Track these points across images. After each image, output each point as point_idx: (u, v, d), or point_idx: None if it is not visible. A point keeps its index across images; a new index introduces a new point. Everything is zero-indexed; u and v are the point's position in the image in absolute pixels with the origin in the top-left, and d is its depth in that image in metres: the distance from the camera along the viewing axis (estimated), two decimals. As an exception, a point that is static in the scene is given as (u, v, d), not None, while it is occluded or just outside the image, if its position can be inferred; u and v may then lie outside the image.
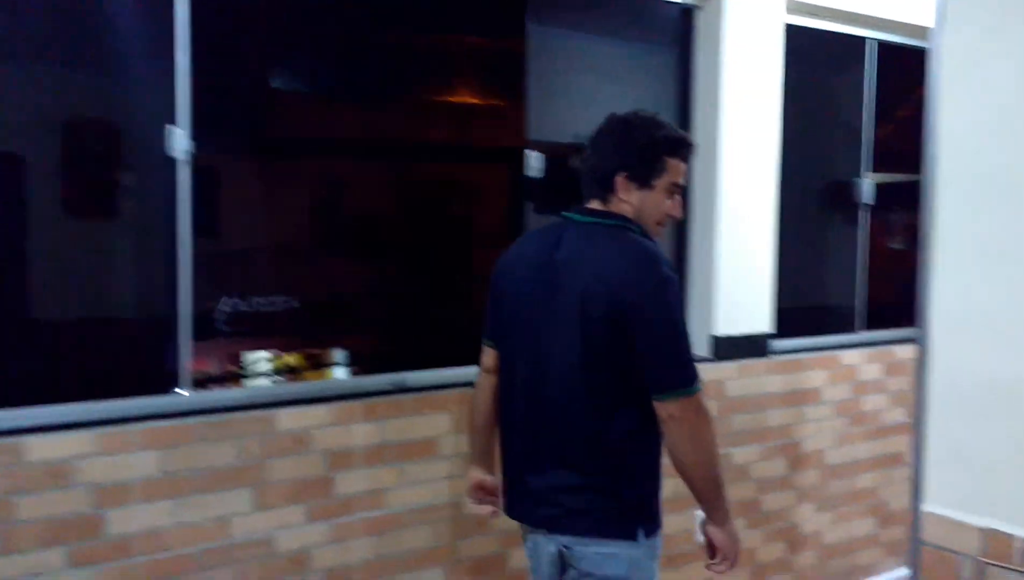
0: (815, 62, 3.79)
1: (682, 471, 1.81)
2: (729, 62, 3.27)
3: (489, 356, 2.09)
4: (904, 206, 4.13)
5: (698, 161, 3.32)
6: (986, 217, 1.55)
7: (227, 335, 2.56)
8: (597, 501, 1.84)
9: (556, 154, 3.08)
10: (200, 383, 2.47)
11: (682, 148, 1.91)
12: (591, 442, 1.83)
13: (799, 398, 3.55)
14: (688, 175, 2.00)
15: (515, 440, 2.00)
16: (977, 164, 1.57)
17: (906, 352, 3.90)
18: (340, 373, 2.82)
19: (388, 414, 2.62)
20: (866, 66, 3.84)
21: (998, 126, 1.55)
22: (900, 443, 3.90)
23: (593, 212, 1.92)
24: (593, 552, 1.85)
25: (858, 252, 3.89)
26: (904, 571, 3.96)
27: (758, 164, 3.38)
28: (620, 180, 1.88)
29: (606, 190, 1.90)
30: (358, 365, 2.83)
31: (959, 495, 1.55)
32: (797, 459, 3.56)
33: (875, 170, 3.88)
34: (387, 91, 2.89)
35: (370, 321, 2.93)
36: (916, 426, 1.64)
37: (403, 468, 2.65)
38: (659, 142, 1.88)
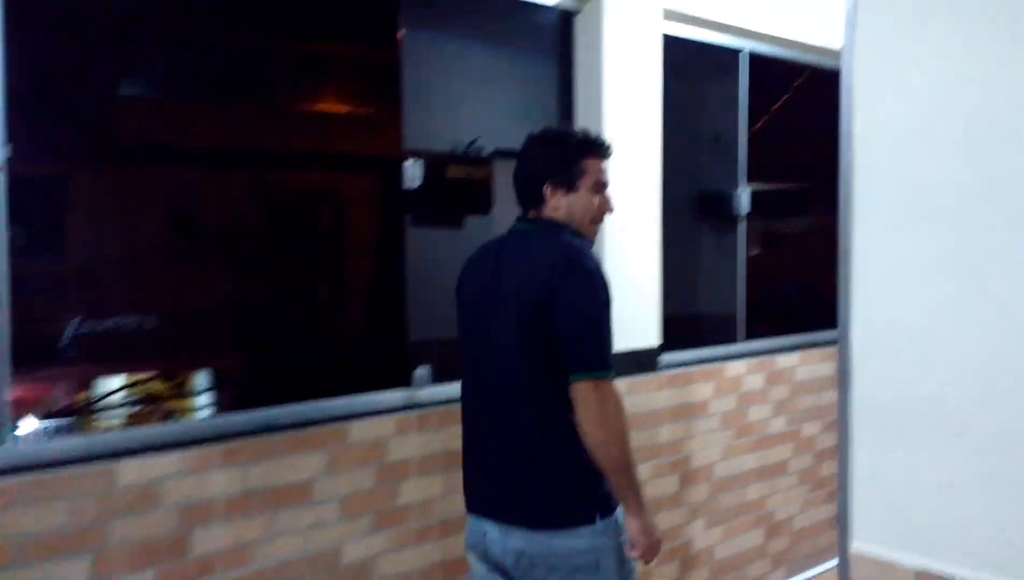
0: (692, 73, 3.74)
1: (593, 454, 1.87)
2: (610, 69, 3.14)
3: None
4: (777, 214, 4.15)
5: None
6: (906, 229, 1.44)
7: (72, 362, 2.22)
8: (550, 492, 1.92)
9: (434, 163, 2.87)
10: (44, 416, 2.11)
11: (597, 148, 2.06)
12: (538, 434, 1.92)
13: (688, 412, 3.47)
14: (607, 172, 2.11)
15: (475, 438, 2.09)
16: (894, 174, 1.47)
17: (787, 361, 3.90)
18: (206, 399, 2.51)
19: (252, 457, 2.31)
20: (740, 77, 3.82)
21: (915, 134, 1.44)
22: (784, 452, 3.90)
23: (531, 221, 2.08)
24: (558, 544, 1.91)
25: (737, 262, 3.86)
26: (792, 581, 3.97)
27: (641, 175, 3.27)
28: (547, 189, 2.03)
29: (538, 201, 2.05)
30: (226, 389, 2.52)
31: (889, 532, 1.44)
32: (688, 475, 3.47)
33: (750, 180, 3.86)
34: (251, 97, 2.61)
35: (236, 341, 2.63)
36: (840, 455, 1.52)
37: (271, 518, 2.35)
38: (574, 147, 2.04)
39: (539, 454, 1.94)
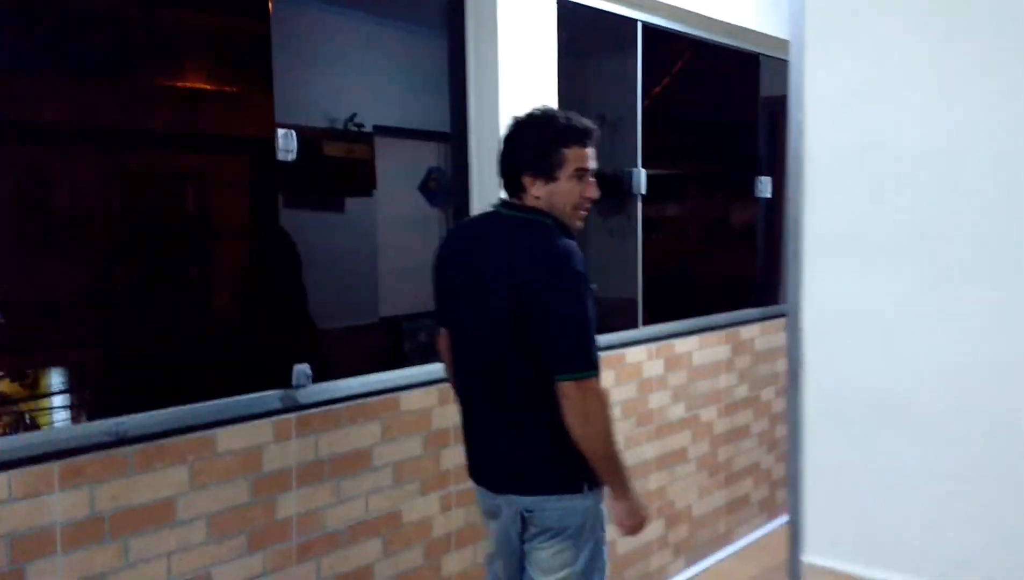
0: (586, 45, 3.56)
1: (578, 445, 1.93)
2: (505, 40, 2.91)
3: (443, 337, 2.22)
4: (672, 196, 4.04)
5: (476, 154, 2.95)
6: (863, 204, 1.27)
7: None
8: (544, 463, 2.01)
9: (310, 140, 2.57)
10: None
11: (576, 136, 1.99)
12: (524, 411, 1.99)
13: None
14: (591, 158, 2.03)
15: (469, 413, 2.16)
16: (845, 146, 1.29)
17: (685, 345, 3.80)
18: (60, 402, 2.15)
19: (100, 475, 1.97)
20: (638, 50, 3.66)
21: (867, 99, 1.27)
22: (683, 439, 3.80)
23: (514, 206, 2.06)
24: (551, 508, 2.01)
25: (637, 244, 3.71)
26: (692, 571, 3.89)
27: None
28: (527, 179, 2.00)
29: (519, 189, 2.03)
30: (79, 392, 2.17)
31: (842, 541, 1.28)
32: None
33: (645, 160, 3.72)
34: (103, 71, 2.25)
35: (90, 335, 2.27)
36: (790, 459, 1.35)
37: (126, 545, 2.01)
38: (552, 137, 1.98)
39: (526, 429, 2.01)
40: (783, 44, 4.31)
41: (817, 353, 1.30)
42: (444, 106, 3.02)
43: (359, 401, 2.52)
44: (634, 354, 3.53)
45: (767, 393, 4.35)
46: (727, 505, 4.11)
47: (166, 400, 2.17)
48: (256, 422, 2.27)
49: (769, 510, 4.41)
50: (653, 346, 3.63)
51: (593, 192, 2.05)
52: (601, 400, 1.92)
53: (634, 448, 3.52)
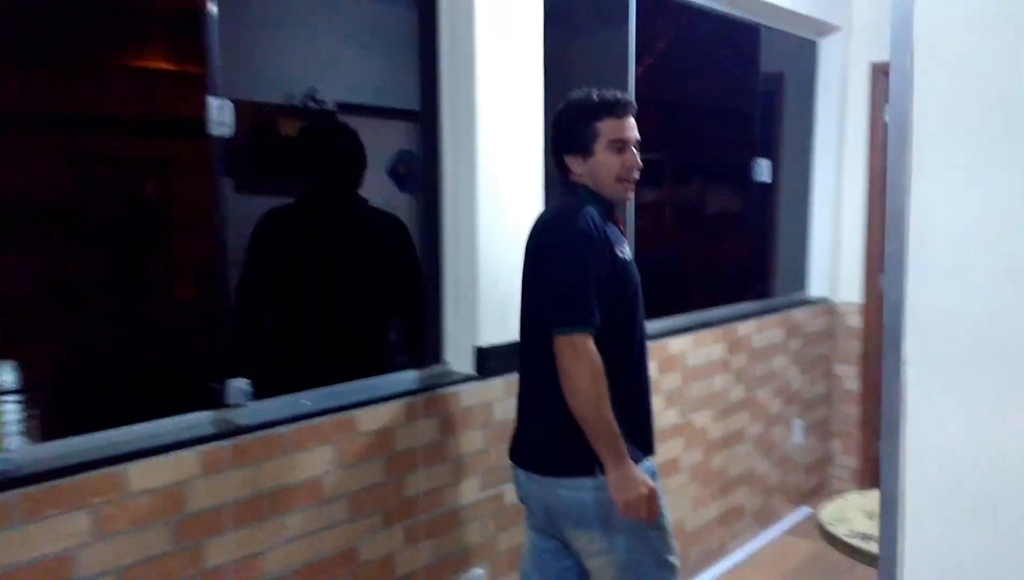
0: (575, 16, 3.17)
1: (568, 405, 1.91)
2: (483, 8, 2.50)
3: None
4: (664, 180, 3.67)
5: (450, 135, 2.56)
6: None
7: None
8: (551, 440, 2.00)
9: (261, 117, 2.18)
10: None
11: (607, 109, 2.02)
12: (546, 385, 1.96)
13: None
14: (628, 129, 2.05)
15: (519, 392, 2.18)
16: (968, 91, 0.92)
17: (679, 345, 3.44)
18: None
19: (-26, 529, 1.57)
20: (630, 22, 3.27)
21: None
22: (676, 447, 3.45)
23: (564, 183, 2.12)
24: (563, 493, 1.98)
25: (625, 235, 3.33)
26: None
27: (521, 142, 2.67)
28: (568, 159, 2.07)
29: (565, 170, 2.09)
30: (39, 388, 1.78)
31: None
32: (574, 486, 2.95)
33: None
34: (40, 53, 1.86)
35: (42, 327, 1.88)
36: (885, 461, 1.00)
37: (7, 613, 1.62)
38: (582, 114, 2.03)
39: (545, 404, 1.99)
40: (784, 14, 4.03)
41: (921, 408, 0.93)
42: (413, 82, 2.63)
43: (309, 421, 2.13)
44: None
45: (763, 394, 4.02)
46: (720, 517, 3.78)
47: (65, 427, 1.77)
48: (181, 452, 1.87)
49: (763, 520, 4.09)
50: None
51: (633, 161, 2.05)
52: (588, 357, 1.87)
53: (624, 461, 3.17)
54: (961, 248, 0.90)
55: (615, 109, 2.02)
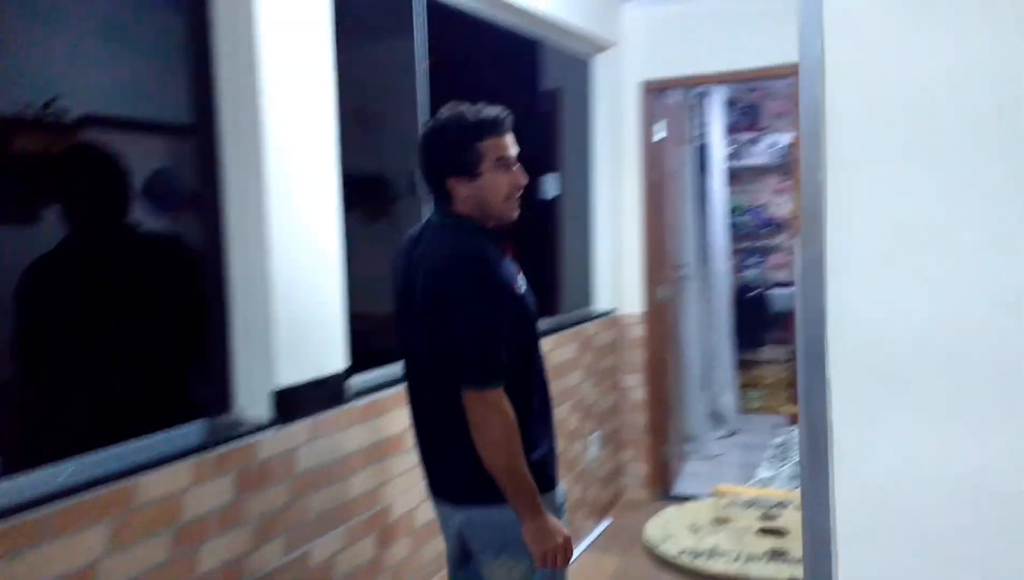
0: (364, 22, 2.95)
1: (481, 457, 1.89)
2: (264, 10, 2.22)
3: None
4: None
5: (233, 156, 2.25)
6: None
7: None
8: (473, 471, 1.91)
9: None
10: None
11: (489, 127, 1.95)
12: (459, 419, 1.90)
13: (383, 450, 2.70)
14: (510, 145, 2.01)
15: (415, 426, 2.13)
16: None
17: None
18: None
19: None
20: (416, 33, 3.11)
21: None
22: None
23: (441, 212, 2.03)
24: (486, 519, 1.97)
25: (426, 253, 3.15)
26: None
27: (313, 157, 2.42)
28: (451, 183, 1.97)
29: (446, 195, 1.99)
30: None
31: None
32: (387, 531, 2.71)
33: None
34: None
35: None
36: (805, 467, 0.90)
37: None
38: (462, 134, 1.95)
39: (461, 437, 1.92)
40: (561, 30, 4.06)
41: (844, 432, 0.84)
42: (181, 92, 2.30)
43: (74, 498, 1.74)
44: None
45: (563, 410, 4.00)
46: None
47: None
48: None
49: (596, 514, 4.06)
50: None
51: (521, 178, 2.01)
52: (500, 412, 1.84)
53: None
54: (885, 253, 0.81)
55: (497, 127, 1.96)
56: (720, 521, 2.37)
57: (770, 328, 6.55)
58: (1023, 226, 0.76)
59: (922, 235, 0.80)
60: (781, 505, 2.49)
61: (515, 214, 2.03)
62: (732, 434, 5.79)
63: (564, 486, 2.12)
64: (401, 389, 2.78)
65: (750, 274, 6.66)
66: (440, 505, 2.12)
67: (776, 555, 2.14)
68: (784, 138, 6.56)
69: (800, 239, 0.90)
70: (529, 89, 4.15)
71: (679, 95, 5.00)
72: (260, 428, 2.22)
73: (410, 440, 2.82)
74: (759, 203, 6.76)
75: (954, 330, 0.79)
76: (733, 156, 6.52)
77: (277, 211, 2.26)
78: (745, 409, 6.17)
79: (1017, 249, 0.77)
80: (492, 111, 1.97)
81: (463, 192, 1.97)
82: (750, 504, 2.50)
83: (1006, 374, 0.78)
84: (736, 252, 6.48)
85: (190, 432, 2.12)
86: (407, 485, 2.80)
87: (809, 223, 0.86)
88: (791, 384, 6.30)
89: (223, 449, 2.11)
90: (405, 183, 3.10)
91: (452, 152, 1.96)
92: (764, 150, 6.64)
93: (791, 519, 2.37)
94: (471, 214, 1.99)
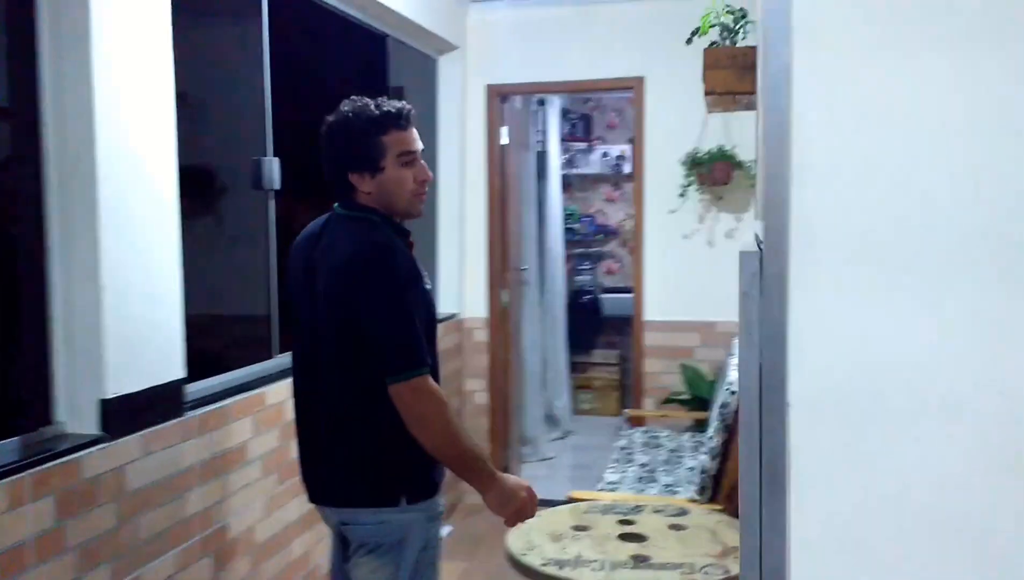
0: (209, 13, 2.73)
1: (424, 447, 1.86)
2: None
3: None
4: (309, 190, 3.35)
5: (57, 143, 2.00)
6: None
7: None
8: (362, 472, 1.92)
9: None
10: None
11: (392, 121, 1.91)
12: (352, 417, 1.91)
13: (223, 464, 2.49)
14: (414, 140, 1.97)
15: (301, 424, 2.06)
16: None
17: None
18: None
19: None
20: (263, 20, 2.91)
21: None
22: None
23: (346, 204, 1.99)
24: (365, 521, 1.93)
25: (269, 252, 2.96)
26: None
27: (151, 143, 2.20)
28: (353, 178, 1.93)
29: (349, 190, 1.95)
30: None
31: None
32: (225, 550, 2.50)
33: (277, 148, 2.99)
34: None
35: None
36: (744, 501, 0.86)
37: None
38: (365, 130, 1.90)
39: (346, 440, 1.93)
40: (408, 25, 3.96)
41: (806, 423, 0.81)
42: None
43: None
44: (275, 392, 2.79)
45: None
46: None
47: None
48: None
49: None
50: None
51: (425, 174, 1.97)
52: (435, 398, 1.83)
53: (276, 512, 2.79)
54: (856, 263, 0.78)
55: (399, 121, 1.91)
56: (580, 528, 2.36)
57: (601, 332, 6.73)
58: (996, 247, 0.77)
59: (891, 254, 0.78)
60: (637, 509, 2.51)
61: (421, 209, 2.00)
62: (565, 436, 5.88)
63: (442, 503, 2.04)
64: (241, 399, 2.62)
65: (582, 279, 6.82)
66: (319, 508, 2.07)
67: (640, 560, 2.15)
68: (615, 149, 6.77)
69: (764, 252, 0.86)
70: (375, 85, 4.01)
71: (521, 101, 5.03)
72: (85, 443, 1.98)
73: (250, 452, 2.64)
74: (591, 211, 6.94)
75: (923, 355, 0.78)
76: (567, 164, 6.65)
77: (108, 205, 2.03)
78: (576, 411, 6.30)
79: (989, 273, 0.77)
80: (395, 105, 1.93)
81: (366, 187, 1.92)
82: (607, 510, 2.51)
83: (972, 397, 0.78)
84: (569, 257, 6.61)
85: (4, 449, 1.85)
86: (247, 500, 2.61)
87: (772, 234, 0.82)
88: (621, 387, 6.51)
89: (42, 468, 1.86)
90: (251, 176, 2.89)
91: (353, 147, 1.91)
92: (597, 160, 6.83)
93: (649, 523, 2.40)
94: (376, 207, 1.94)
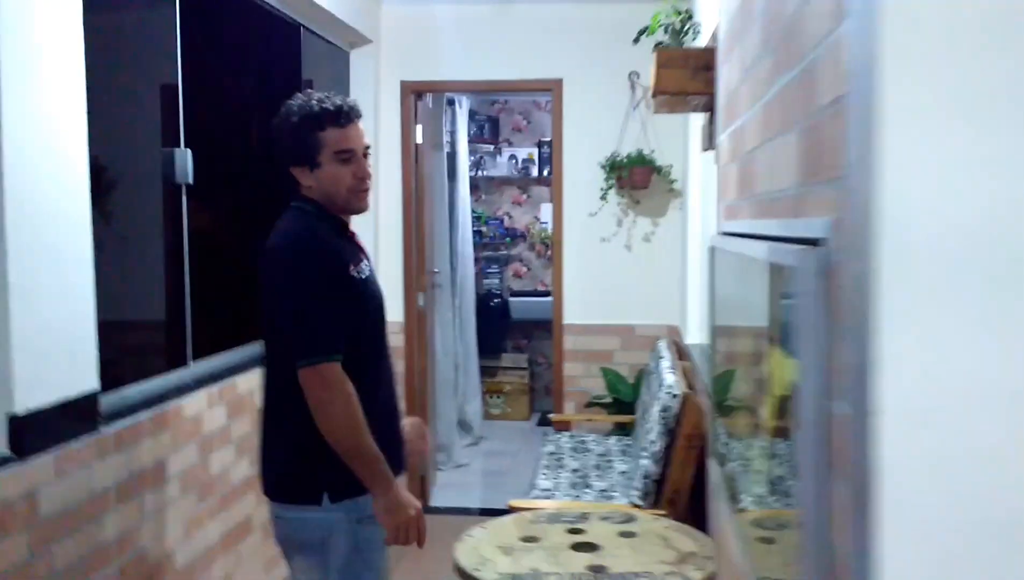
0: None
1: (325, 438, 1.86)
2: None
3: None
4: (223, 185, 3.13)
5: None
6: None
7: None
8: (285, 466, 1.94)
9: None
10: None
11: (330, 118, 1.90)
12: (280, 409, 1.94)
13: (140, 484, 2.28)
14: (353, 138, 1.94)
15: (262, 420, 2.07)
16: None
17: (248, 382, 2.95)
18: None
19: None
20: (176, 4, 2.70)
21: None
22: (248, 504, 2.94)
23: (294, 196, 2.01)
24: (289, 517, 1.95)
25: (183, 251, 2.74)
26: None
27: (61, 135, 1.98)
28: (295, 172, 1.95)
29: (294, 183, 1.98)
30: None
31: None
32: (143, 578, 2.28)
33: (190, 141, 2.78)
34: None
35: None
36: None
37: None
38: (303, 124, 1.90)
39: (277, 432, 1.95)
40: (321, 14, 3.78)
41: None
42: None
43: None
44: (192, 404, 2.58)
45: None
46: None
47: None
48: None
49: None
50: (215, 388, 2.72)
51: (363, 171, 1.95)
52: (339, 387, 1.82)
53: (196, 534, 2.58)
54: (953, 267, 0.72)
55: (338, 118, 1.90)
56: (529, 540, 2.28)
57: (509, 336, 6.68)
58: None
59: (991, 259, 0.72)
60: (584, 517, 2.45)
61: (363, 205, 1.99)
62: (478, 442, 5.79)
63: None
64: (158, 411, 2.41)
65: (490, 282, 6.75)
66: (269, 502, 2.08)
67: (597, 571, 2.08)
68: (522, 152, 6.74)
69: (829, 254, 0.79)
70: (288, 77, 3.81)
71: (432, 100, 4.91)
72: (-6, 465, 1.75)
73: (168, 470, 2.43)
74: (499, 213, 6.88)
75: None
76: (475, 166, 6.57)
77: (13, 203, 1.80)
78: (486, 416, 6.22)
79: None
80: (336, 101, 1.92)
81: (306, 181, 1.94)
82: (554, 519, 2.44)
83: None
84: (477, 261, 6.54)
85: None
86: (166, 522, 2.39)
87: (856, 234, 0.75)
88: (531, 391, 6.47)
89: (-60, 496, 1.63)
90: (162, 169, 2.67)
91: (292, 142, 1.92)
92: (504, 163, 6.78)
93: (599, 532, 2.34)
94: (318, 200, 1.96)
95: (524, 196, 6.86)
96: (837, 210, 0.84)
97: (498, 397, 6.44)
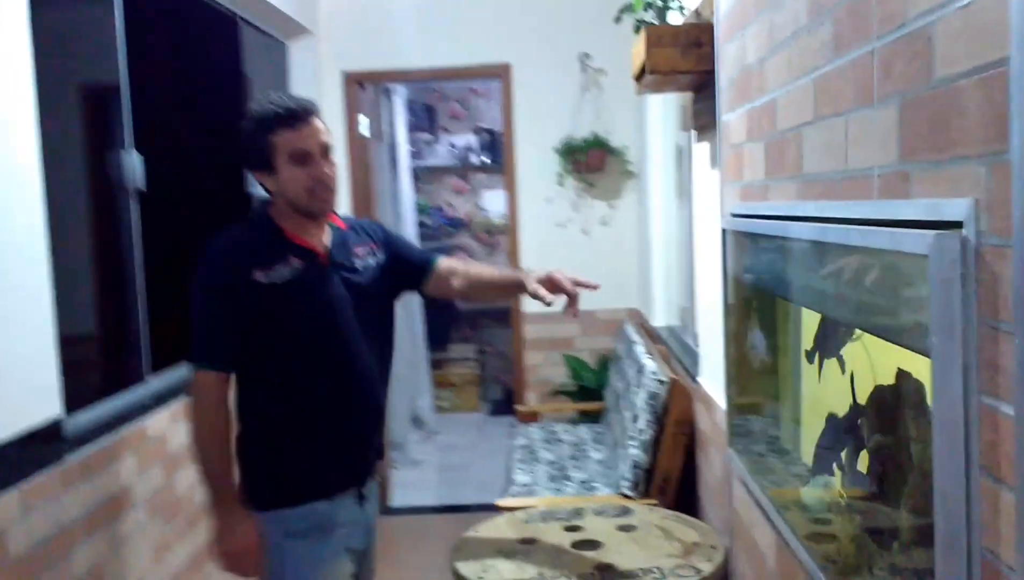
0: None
1: None
2: None
3: None
4: (175, 189, 2.94)
5: None
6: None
7: None
8: (241, 474, 1.87)
9: None
10: None
11: (280, 121, 1.79)
12: (238, 412, 1.89)
13: (108, 512, 2.12)
14: (306, 138, 1.78)
15: None
16: None
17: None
18: None
19: None
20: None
21: None
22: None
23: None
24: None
25: (134, 257, 2.56)
26: None
27: (8, 133, 1.80)
28: (256, 176, 1.89)
29: (263, 186, 1.91)
30: None
31: None
32: (115, 614, 2.12)
33: (138, 144, 2.59)
34: None
35: None
36: None
37: None
38: (255, 130, 1.82)
39: (240, 436, 1.89)
40: (260, 5, 3.59)
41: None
42: None
43: None
44: (156, 423, 2.42)
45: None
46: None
47: None
48: None
49: None
50: (176, 405, 2.55)
51: (320, 173, 1.81)
52: (203, 395, 1.79)
53: (164, 560, 2.42)
54: None
55: (289, 120, 1.79)
56: (527, 542, 2.20)
57: (456, 327, 6.58)
58: None
59: None
60: (578, 513, 2.39)
61: (325, 206, 1.86)
62: (431, 437, 5.68)
63: (327, 509, 1.83)
64: (123, 433, 2.24)
65: (434, 274, 6.62)
66: None
67: (604, 570, 2.02)
68: (461, 140, 6.62)
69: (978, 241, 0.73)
70: (227, 72, 3.61)
71: (372, 90, 4.76)
72: (-50, 509, 1.58)
73: (136, 495, 2.27)
74: (439, 202, 6.75)
75: None
76: (414, 156, 6.43)
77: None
78: (437, 409, 6.11)
79: None
80: (287, 103, 1.81)
81: (270, 185, 1.86)
82: (547, 517, 2.37)
83: None
84: (421, 252, 6.40)
85: None
86: (134, 550, 2.24)
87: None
88: (481, 382, 6.39)
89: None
90: (109, 173, 2.48)
91: (248, 147, 1.83)
92: (444, 151, 6.65)
93: (597, 527, 2.28)
94: (284, 204, 1.85)
95: (464, 184, 6.74)
96: (984, 189, 0.78)
97: (448, 390, 6.34)
